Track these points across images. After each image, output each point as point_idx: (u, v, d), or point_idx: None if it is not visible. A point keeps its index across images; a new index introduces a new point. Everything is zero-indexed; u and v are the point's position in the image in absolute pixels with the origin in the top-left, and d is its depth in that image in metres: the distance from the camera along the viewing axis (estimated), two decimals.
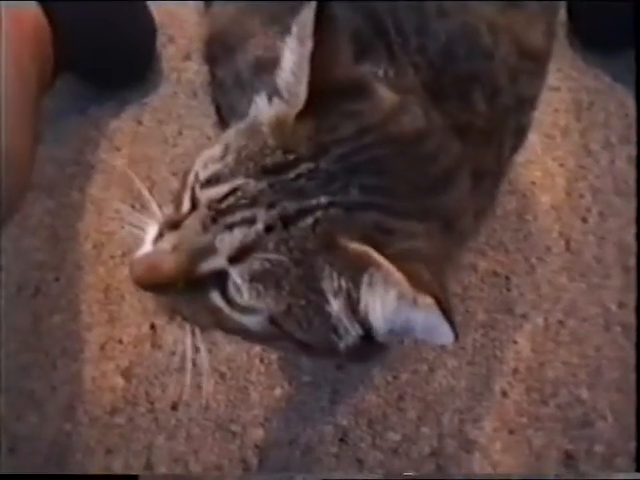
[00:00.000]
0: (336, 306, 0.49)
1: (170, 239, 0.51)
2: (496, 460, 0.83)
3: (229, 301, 0.51)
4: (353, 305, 0.48)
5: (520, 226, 0.95)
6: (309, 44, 0.47)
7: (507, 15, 0.60)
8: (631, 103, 1.04)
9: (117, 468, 0.84)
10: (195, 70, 1.07)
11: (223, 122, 0.71)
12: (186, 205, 0.52)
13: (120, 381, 0.89)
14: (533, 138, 1.00)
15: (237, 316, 0.51)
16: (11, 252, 0.96)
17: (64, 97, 1.07)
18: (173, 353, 0.90)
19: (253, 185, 0.48)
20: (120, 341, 0.91)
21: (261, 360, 0.89)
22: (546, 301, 0.91)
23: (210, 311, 0.52)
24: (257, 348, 0.90)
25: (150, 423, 0.87)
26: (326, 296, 0.49)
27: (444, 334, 0.44)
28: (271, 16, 0.62)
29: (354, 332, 0.50)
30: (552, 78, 1.07)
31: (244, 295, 0.49)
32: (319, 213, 0.47)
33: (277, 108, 0.51)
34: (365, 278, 0.46)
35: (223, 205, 0.48)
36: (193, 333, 0.56)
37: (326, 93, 0.48)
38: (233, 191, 0.48)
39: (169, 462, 0.84)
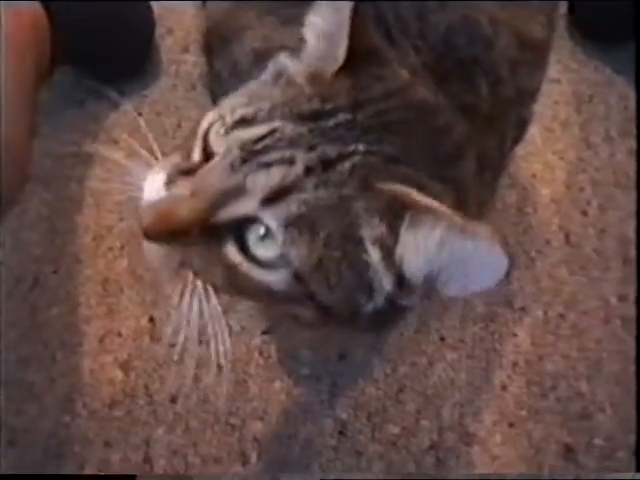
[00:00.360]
0: (375, 254, 0.48)
1: (186, 184, 0.49)
2: (495, 453, 0.83)
3: (248, 255, 0.49)
4: (390, 253, 0.47)
5: (520, 219, 0.95)
6: (346, 12, 0.48)
7: (507, 8, 0.60)
8: (631, 96, 1.03)
9: (115, 461, 0.84)
10: (193, 62, 1.06)
11: None
12: (197, 155, 0.51)
13: (119, 374, 0.89)
14: (533, 131, 1.00)
15: (256, 272, 0.49)
16: (9, 245, 0.95)
17: (62, 90, 1.06)
18: (172, 345, 0.90)
19: (291, 128, 0.47)
20: (119, 334, 0.91)
21: (260, 353, 0.89)
22: (546, 294, 0.91)
23: (225, 266, 0.50)
24: (257, 340, 0.90)
25: (149, 416, 0.86)
26: (364, 244, 0.47)
27: (495, 262, 0.42)
28: (267, 8, 0.62)
29: (387, 286, 0.49)
30: (552, 70, 1.06)
31: (278, 240, 0.47)
32: (357, 158, 0.47)
33: (308, 64, 0.52)
34: (405, 220, 0.46)
35: (259, 145, 0.47)
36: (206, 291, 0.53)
37: (359, 56, 0.50)
38: (270, 132, 0.47)
39: (168, 455, 0.84)
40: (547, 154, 1.00)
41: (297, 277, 0.48)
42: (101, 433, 0.86)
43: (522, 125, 0.66)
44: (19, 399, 0.87)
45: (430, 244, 0.45)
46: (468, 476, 0.83)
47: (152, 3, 1.07)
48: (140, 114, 1.06)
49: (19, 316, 0.91)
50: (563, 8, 1.11)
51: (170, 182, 0.50)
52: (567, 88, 1.05)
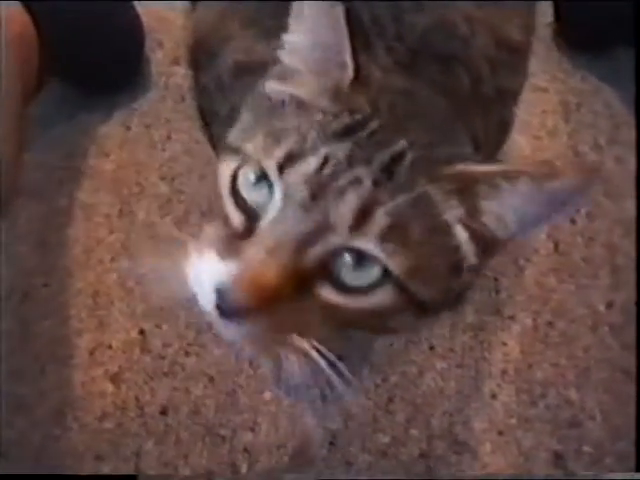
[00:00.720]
0: (463, 234, 0.48)
1: (252, 247, 0.46)
2: (485, 461, 0.83)
3: (345, 289, 0.47)
4: (475, 228, 0.48)
5: None
6: (339, 17, 0.48)
7: (484, 9, 0.62)
8: (617, 104, 1.04)
9: (106, 473, 0.84)
10: (183, 74, 1.07)
11: (207, 127, 0.72)
12: (237, 214, 0.48)
13: (109, 386, 0.89)
14: (521, 140, 1.01)
15: (360, 302, 0.47)
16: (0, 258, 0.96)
17: (53, 103, 1.06)
18: (162, 357, 0.90)
19: (341, 149, 0.47)
20: (109, 346, 0.91)
21: (250, 363, 0.89)
22: (535, 302, 0.91)
23: (322, 311, 0.48)
24: (246, 351, 0.90)
25: (139, 428, 0.86)
26: (451, 229, 0.48)
27: (583, 186, 0.44)
28: (249, 19, 0.63)
29: (473, 259, 0.49)
30: (539, 80, 1.08)
31: (378, 258, 0.46)
32: (409, 156, 0.47)
33: (314, 82, 0.51)
34: (480, 192, 0.47)
35: (323, 177, 0.45)
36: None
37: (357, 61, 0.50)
38: (325, 160, 0.46)
39: (158, 467, 0.84)
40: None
41: (400, 287, 0.47)
42: (92, 446, 0.86)
43: (504, 128, 0.66)
44: (10, 412, 0.87)
45: (516, 202, 0.46)
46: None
47: (142, 15, 1.08)
48: (130, 127, 1.06)
49: (10, 329, 0.92)
50: (549, 17, 1.11)
51: (226, 255, 0.47)
52: (554, 97, 1.06)
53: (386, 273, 0.46)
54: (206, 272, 0.47)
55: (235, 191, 0.49)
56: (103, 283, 0.95)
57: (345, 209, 0.45)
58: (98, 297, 0.94)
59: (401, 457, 0.83)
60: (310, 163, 0.46)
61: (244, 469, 0.84)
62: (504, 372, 0.87)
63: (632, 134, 1.02)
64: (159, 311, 0.93)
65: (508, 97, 0.65)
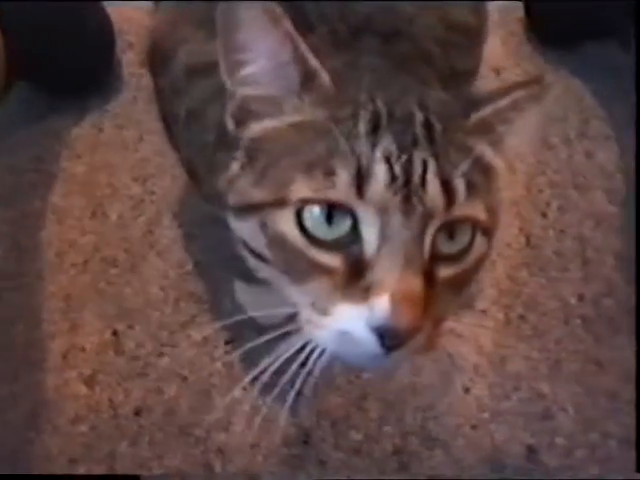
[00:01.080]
0: (500, 165, 0.54)
1: (386, 274, 0.45)
2: (459, 456, 0.83)
3: (453, 258, 0.49)
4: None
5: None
6: (291, 29, 0.48)
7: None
8: (587, 97, 1.05)
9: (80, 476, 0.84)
10: None
11: (169, 130, 0.71)
12: (333, 259, 0.46)
13: (83, 389, 0.89)
14: None
15: (467, 261, 0.49)
16: None
17: (25, 106, 1.06)
18: (136, 358, 0.90)
19: (385, 144, 0.47)
20: (82, 349, 0.91)
21: (223, 363, 0.89)
22: (507, 296, 0.92)
23: (447, 288, 0.48)
24: (220, 351, 0.90)
25: (113, 430, 0.86)
26: (491, 166, 0.53)
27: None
28: (199, 21, 0.63)
29: None
30: (511, 74, 1.08)
31: (471, 213, 0.49)
32: (432, 121, 0.49)
33: (294, 102, 0.50)
34: (500, 130, 0.52)
35: (397, 174, 0.46)
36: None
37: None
38: (387, 161, 0.46)
39: (132, 468, 0.84)
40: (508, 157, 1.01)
41: (486, 231, 0.50)
42: (65, 449, 0.85)
43: None
44: None
45: (530, 126, 0.53)
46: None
47: (112, 17, 1.07)
48: (102, 129, 1.06)
49: None
50: (520, 13, 1.12)
51: (365, 298, 0.45)
52: None
53: (474, 226, 0.49)
54: (360, 325, 0.45)
55: (313, 239, 0.47)
56: (76, 285, 0.95)
57: (434, 194, 0.46)
58: (71, 300, 0.94)
59: (374, 454, 0.83)
60: (378, 172, 0.46)
61: (218, 469, 0.84)
62: (477, 366, 0.88)
63: (601, 128, 1.02)
64: (132, 312, 0.93)
65: (462, 77, 0.66)
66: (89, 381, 0.89)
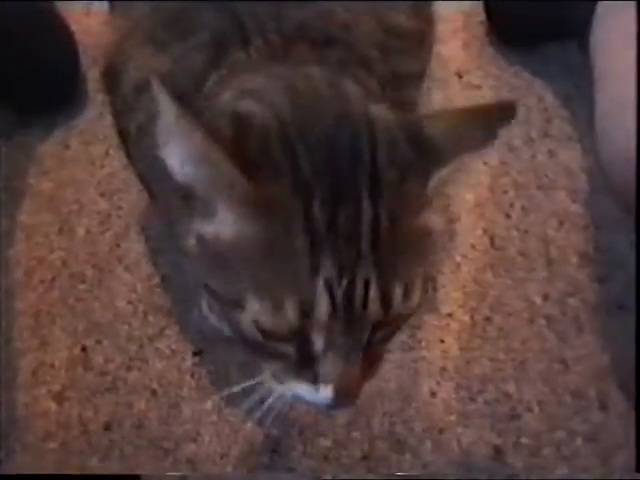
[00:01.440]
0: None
1: (328, 366, 0.51)
2: (426, 460, 0.84)
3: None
4: None
5: (445, 226, 0.96)
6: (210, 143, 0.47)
7: (364, 2, 0.64)
8: (549, 97, 1.05)
9: None
10: None
11: (125, 146, 0.72)
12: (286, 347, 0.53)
13: (52, 405, 0.89)
14: None
15: (403, 316, 0.54)
16: None
17: None
18: (105, 373, 0.91)
19: (328, 271, 0.48)
20: (52, 365, 0.91)
21: (192, 375, 0.90)
22: (472, 298, 0.92)
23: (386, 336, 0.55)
24: (188, 363, 0.90)
25: (84, 445, 0.87)
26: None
27: None
28: (145, 36, 0.63)
29: None
30: (473, 77, 1.09)
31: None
32: (383, 212, 0.49)
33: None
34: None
35: (341, 306, 0.49)
36: None
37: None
38: (329, 290, 0.48)
39: None
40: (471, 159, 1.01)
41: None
42: (36, 467, 0.86)
43: (408, 108, 0.68)
44: None
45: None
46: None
47: (76, 33, 1.08)
48: (68, 145, 1.07)
49: None
50: (481, 15, 1.13)
51: (319, 382, 0.53)
52: (488, 93, 1.07)
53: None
54: (310, 397, 0.54)
55: (269, 333, 0.51)
56: (45, 302, 0.96)
57: (374, 308, 0.49)
58: (40, 317, 0.95)
59: (342, 460, 0.84)
60: (322, 305, 0.48)
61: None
62: (443, 369, 0.88)
63: (564, 127, 1.03)
64: (100, 327, 0.93)
65: (405, 80, 0.66)
66: (58, 397, 0.90)
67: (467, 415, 0.86)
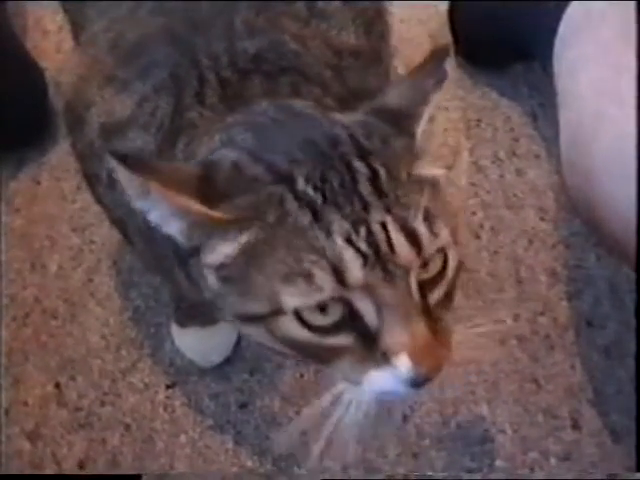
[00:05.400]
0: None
1: (391, 335, 0.48)
2: None
3: (434, 281, 0.51)
4: None
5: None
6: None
7: (311, 27, 0.64)
8: (516, 117, 1.06)
9: None
10: None
11: (93, 189, 0.71)
12: (345, 339, 0.50)
13: (26, 444, 0.89)
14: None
15: (449, 271, 0.52)
16: None
17: None
18: (78, 409, 0.91)
19: (339, 226, 0.47)
20: (25, 403, 0.91)
21: (165, 408, 0.89)
22: None
23: (441, 302, 0.52)
24: (161, 396, 0.90)
25: None
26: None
27: None
28: (105, 78, 0.63)
29: None
30: (440, 99, 1.09)
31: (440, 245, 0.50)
32: (376, 162, 0.49)
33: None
34: None
35: (369, 254, 0.47)
36: None
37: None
38: (350, 243, 0.47)
39: None
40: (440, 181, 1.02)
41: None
42: None
43: None
44: None
45: None
46: None
47: (45, 70, 1.09)
48: (39, 182, 1.07)
49: None
50: (448, 37, 1.14)
51: (387, 361, 0.49)
52: (455, 115, 1.08)
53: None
54: (393, 383, 0.50)
55: (318, 328, 0.49)
56: (17, 339, 0.96)
57: (403, 251, 0.47)
58: (12, 354, 0.94)
59: None
60: (349, 259, 0.46)
61: None
62: (415, 394, 0.88)
63: (531, 146, 1.04)
64: (73, 362, 0.93)
65: (365, 96, 0.66)
66: (32, 436, 0.89)
67: (440, 439, 0.86)
